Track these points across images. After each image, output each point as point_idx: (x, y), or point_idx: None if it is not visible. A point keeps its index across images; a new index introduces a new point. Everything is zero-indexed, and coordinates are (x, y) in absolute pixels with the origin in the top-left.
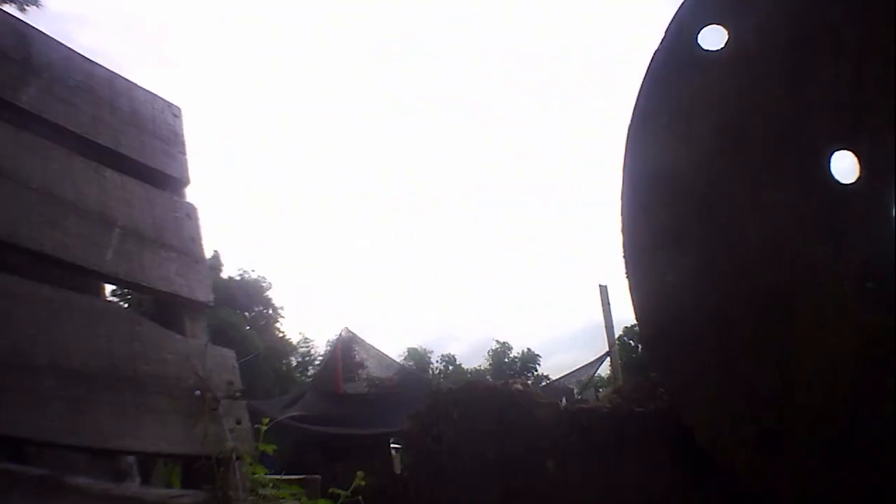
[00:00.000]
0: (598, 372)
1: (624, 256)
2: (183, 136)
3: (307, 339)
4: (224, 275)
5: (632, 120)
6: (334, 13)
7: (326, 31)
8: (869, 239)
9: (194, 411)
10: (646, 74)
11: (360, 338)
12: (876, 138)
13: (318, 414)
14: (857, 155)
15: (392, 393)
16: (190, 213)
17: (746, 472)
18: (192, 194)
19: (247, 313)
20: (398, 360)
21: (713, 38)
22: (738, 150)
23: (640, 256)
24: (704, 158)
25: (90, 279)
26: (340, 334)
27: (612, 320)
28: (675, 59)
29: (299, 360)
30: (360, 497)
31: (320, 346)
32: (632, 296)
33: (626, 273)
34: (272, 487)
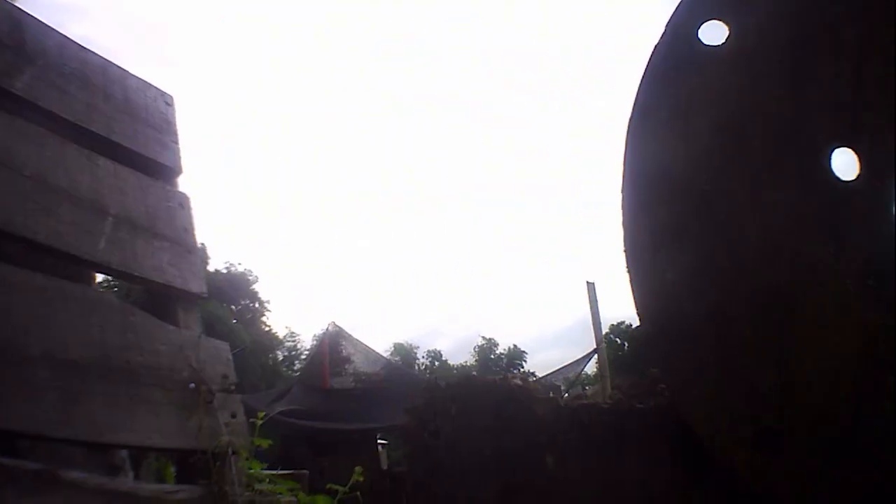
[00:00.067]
0: (585, 369)
1: (624, 253)
2: (176, 124)
3: (293, 333)
4: (210, 267)
5: (631, 116)
6: (333, 12)
7: (322, 27)
8: (869, 237)
9: (189, 404)
10: (645, 70)
11: (346, 332)
12: (876, 137)
13: (305, 408)
14: (857, 153)
15: (378, 388)
16: (183, 203)
17: (746, 470)
18: (182, 185)
19: (233, 306)
20: (385, 355)
21: (713, 33)
22: (737, 147)
23: (641, 253)
24: (704, 156)
25: (83, 268)
26: (327, 329)
27: (599, 317)
28: (674, 54)
29: (286, 354)
30: (359, 493)
31: (306, 341)
32: (632, 292)
33: (627, 270)
34: (268, 483)
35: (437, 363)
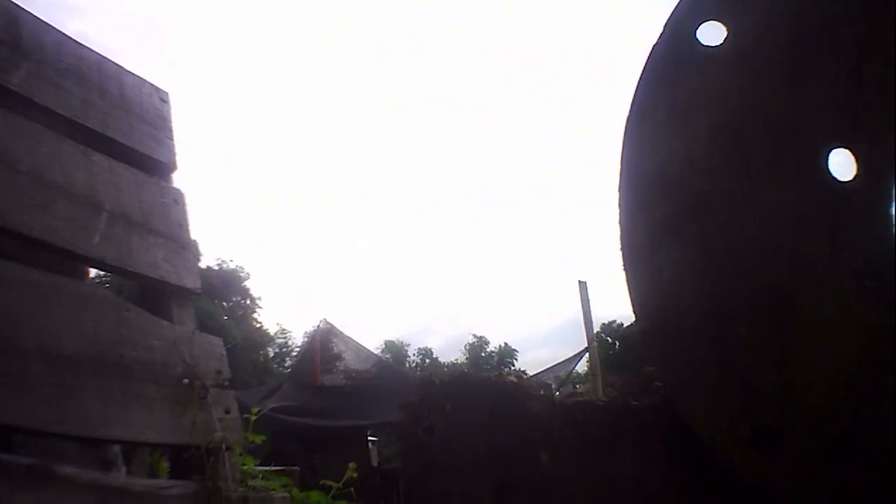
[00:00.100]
0: (576, 368)
1: (621, 252)
2: (171, 121)
3: (284, 329)
4: (202, 264)
5: (629, 116)
6: (333, 11)
7: (321, 25)
8: (868, 238)
9: (182, 399)
10: (644, 70)
11: (338, 329)
12: (875, 137)
13: (296, 405)
14: (855, 154)
15: (369, 385)
16: (177, 199)
17: (745, 469)
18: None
19: (224, 303)
20: (376, 352)
21: (712, 34)
22: (736, 147)
23: (638, 253)
24: (702, 155)
25: (77, 263)
26: (318, 326)
27: (591, 316)
28: (673, 54)
29: (276, 351)
30: (353, 489)
31: (297, 338)
32: (629, 292)
33: (623, 269)
34: (262, 479)
35: (427, 361)
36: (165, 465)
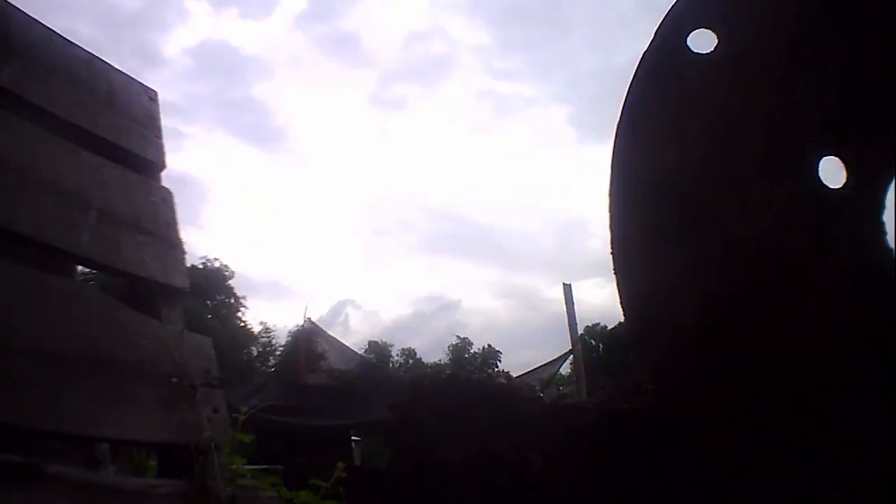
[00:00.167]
0: (560, 370)
1: (612, 255)
2: (159, 119)
3: (268, 329)
4: (187, 263)
5: (620, 119)
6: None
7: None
8: (856, 243)
9: (171, 399)
10: (635, 75)
11: (321, 329)
12: (863, 146)
13: (280, 404)
14: (844, 161)
15: (353, 385)
16: (165, 198)
17: (739, 470)
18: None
19: (208, 302)
20: (359, 352)
21: (703, 41)
22: (726, 152)
23: (629, 255)
24: (693, 160)
25: (66, 261)
26: (302, 325)
27: (575, 319)
28: (664, 60)
29: (260, 350)
30: (341, 489)
31: (281, 337)
32: (620, 294)
33: (614, 272)
34: (251, 478)
35: (411, 361)
36: (152, 463)
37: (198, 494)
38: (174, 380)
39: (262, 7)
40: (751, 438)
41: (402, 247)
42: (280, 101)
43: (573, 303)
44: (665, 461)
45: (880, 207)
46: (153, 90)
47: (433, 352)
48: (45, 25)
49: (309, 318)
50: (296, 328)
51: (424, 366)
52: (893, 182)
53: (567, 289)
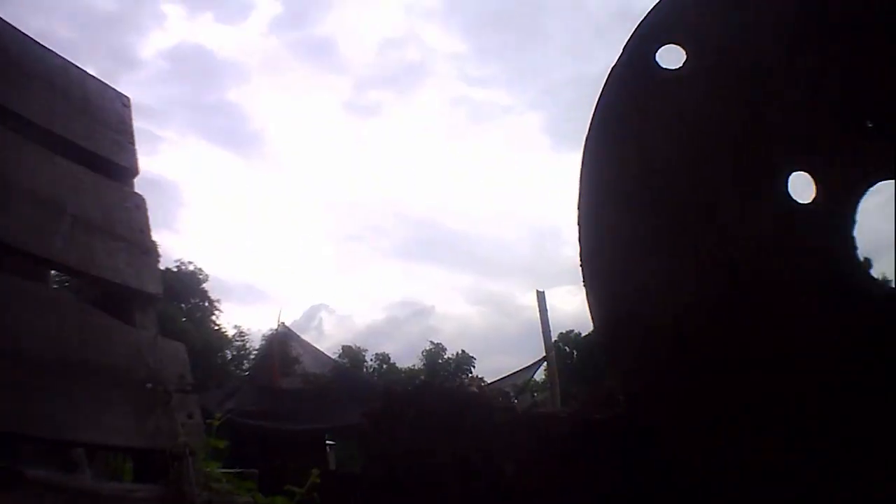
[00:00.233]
0: (534, 377)
1: (581, 267)
2: (132, 126)
3: (242, 332)
4: (161, 265)
5: (589, 132)
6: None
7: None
8: (825, 258)
9: (146, 404)
10: (604, 88)
11: (295, 334)
12: (831, 161)
13: (254, 408)
14: (813, 176)
15: (327, 389)
16: (139, 204)
17: (711, 479)
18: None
19: (183, 305)
20: (333, 357)
21: (671, 57)
22: (694, 167)
23: (597, 264)
24: (662, 175)
25: (41, 267)
26: (276, 330)
27: (549, 326)
28: (632, 75)
29: (234, 353)
30: (315, 494)
31: (255, 341)
32: (589, 304)
33: (584, 281)
34: (226, 483)
35: (385, 366)
36: (129, 465)
37: (174, 499)
38: (149, 385)
39: (237, 11)
40: (722, 444)
41: (376, 252)
42: (255, 105)
43: (547, 310)
44: (638, 469)
45: (851, 222)
46: (126, 96)
47: (407, 357)
48: (21, 31)
49: (283, 323)
50: (270, 332)
51: (398, 371)
52: (864, 197)
53: (541, 296)
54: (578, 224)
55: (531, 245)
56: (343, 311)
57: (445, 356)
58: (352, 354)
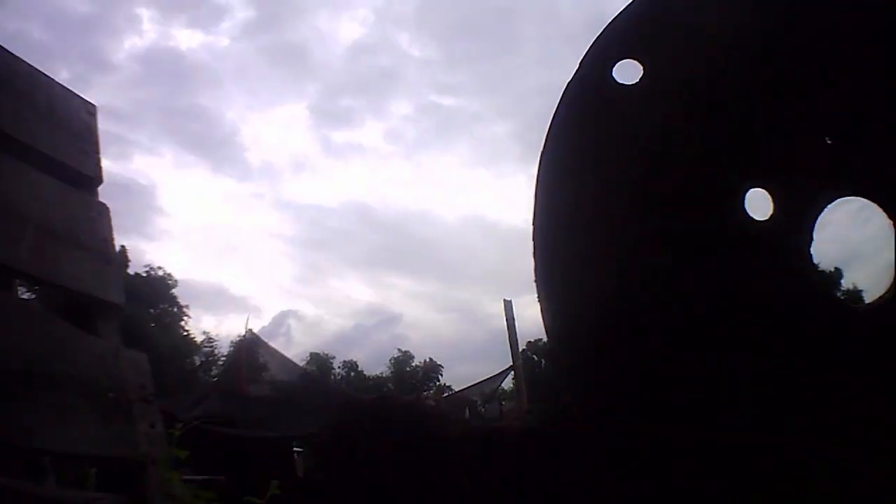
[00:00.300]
0: (502, 385)
1: (535, 281)
2: (97, 134)
3: (211, 339)
4: (130, 270)
5: (545, 146)
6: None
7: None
8: (781, 276)
9: (108, 413)
10: (559, 104)
11: (263, 340)
12: (790, 178)
13: (222, 415)
14: (770, 193)
15: (295, 397)
16: (102, 213)
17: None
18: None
19: (151, 310)
20: (301, 364)
21: (628, 72)
22: (649, 182)
23: (552, 280)
24: (617, 190)
25: (3, 275)
26: (244, 336)
27: (516, 335)
28: (588, 89)
29: (203, 359)
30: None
31: (224, 347)
32: (543, 320)
33: (538, 297)
34: (189, 492)
35: (352, 374)
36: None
37: None
38: (111, 395)
39: (210, 16)
40: (681, 460)
41: (344, 259)
42: (226, 110)
43: (514, 319)
44: (598, 486)
45: (808, 239)
46: (92, 104)
47: (375, 364)
48: None
49: (251, 329)
50: (238, 338)
51: (366, 378)
52: (821, 215)
53: (508, 305)
54: (533, 239)
55: (499, 253)
56: (311, 318)
57: (413, 364)
58: (320, 362)
